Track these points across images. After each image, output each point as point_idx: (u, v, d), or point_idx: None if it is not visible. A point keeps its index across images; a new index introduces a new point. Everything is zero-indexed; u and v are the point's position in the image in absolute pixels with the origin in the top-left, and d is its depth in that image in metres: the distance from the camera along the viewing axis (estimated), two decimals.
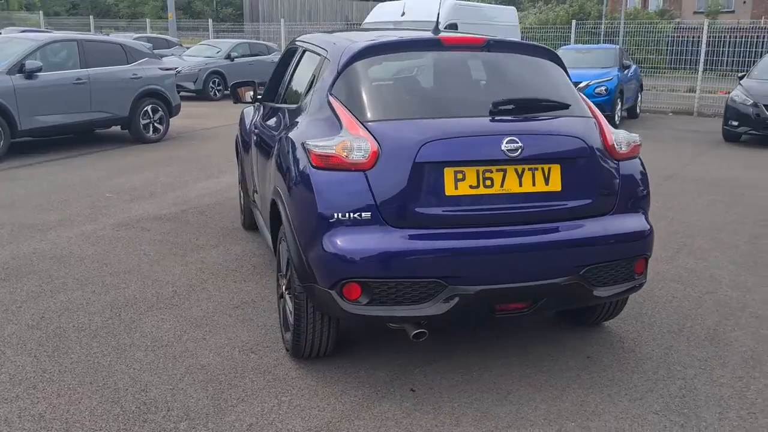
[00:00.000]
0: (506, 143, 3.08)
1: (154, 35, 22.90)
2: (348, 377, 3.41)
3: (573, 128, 3.30)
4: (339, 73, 3.44)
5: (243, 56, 18.93)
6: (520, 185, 3.13)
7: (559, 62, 3.70)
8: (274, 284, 4.66)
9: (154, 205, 6.89)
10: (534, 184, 3.14)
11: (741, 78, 12.31)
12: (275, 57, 19.85)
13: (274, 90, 5.09)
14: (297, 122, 3.62)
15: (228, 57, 18.41)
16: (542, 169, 3.15)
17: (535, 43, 3.82)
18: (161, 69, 11.24)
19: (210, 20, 24.05)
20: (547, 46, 3.82)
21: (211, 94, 17.70)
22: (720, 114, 14.74)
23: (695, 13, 42.96)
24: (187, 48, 21.09)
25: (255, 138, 4.75)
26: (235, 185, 7.71)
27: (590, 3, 36.25)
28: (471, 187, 3.07)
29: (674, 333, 3.95)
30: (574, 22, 19.11)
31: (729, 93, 16.11)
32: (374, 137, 3.08)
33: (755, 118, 11.01)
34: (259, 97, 5.18)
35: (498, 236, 3.07)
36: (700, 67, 15.82)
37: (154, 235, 5.83)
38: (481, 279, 3.02)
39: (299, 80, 4.25)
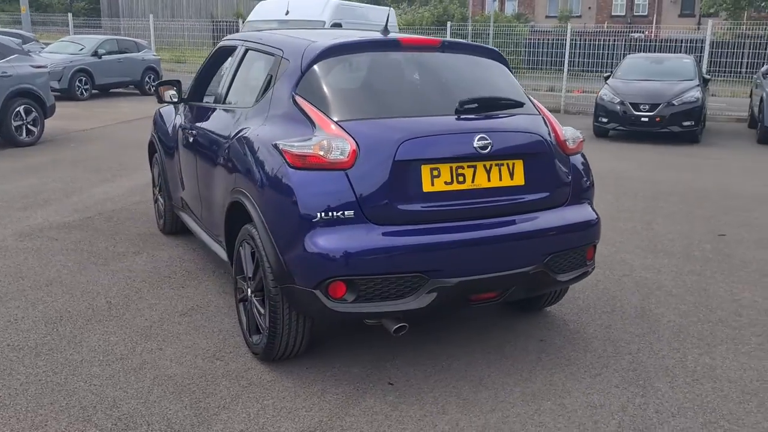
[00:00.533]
0: (477, 140, 3.22)
1: (5, 30, 21.12)
2: (323, 376, 3.42)
3: (532, 125, 3.51)
4: (303, 73, 3.43)
5: (111, 53, 17.92)
6: (489, 180, 3.28)
7: (504, 62, 3.90)
8: (216, 289, 4.55)
9: (52, 212, 6.44)
10: (501, 179, 3.31)
11: (606, 78, 13.35)
12: (146, 54, 19.01)
13: (203, 90, 4.95)
14: (255, 123, 3.57)
15: (95, 54, 17.36)
16: (507, 164, 3.33)
17: (483, 44, 4.00)
18: (33, 66, 10.44)
19: (70, 15, 22.54)
20: (493, 48, 4.01)
21: (78, 93, 16.63)
22: (584, 111, 15.95)
23: (547, 17, 45.87)
24: (45, 45, 19.68)
25: (187, 139, 4.60)
26: (138, 189, 7.40)
27: (453, 5, 37.65)
28: (446, 183, 3.19)
29: (608, 313, 4.29)
30: (449, 23, 19.84)
31: (584, 92, 17.49)
32: (351, 136, 3.11)
33: (622, 115, 11.99)
34: (184, 97, 5.00)
35: (473, 229, 3.20)
36: (565, 68, 16.94)
37: (65, 244, 5.46)
38: (459, 271, 3.14)
39: (247, 80, 4.17)
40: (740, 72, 16.51)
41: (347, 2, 15.08)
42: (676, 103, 11.79)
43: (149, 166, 6.15)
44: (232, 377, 3.40)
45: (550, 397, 3.27)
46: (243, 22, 20.37)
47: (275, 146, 3.22)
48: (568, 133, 3.64)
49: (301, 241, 3.05)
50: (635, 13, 45.14)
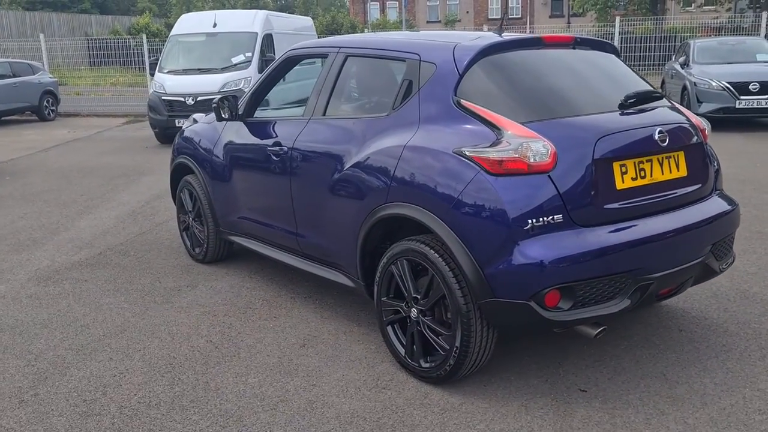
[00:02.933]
0: (658, 134, 3.19)
1: None
2: (507, 391, 3.25)
3: (682, 116, 3.52)
4: (462, 75, 3.25)
5: (3, 77, 16.41)
6: (662, 173, 3.26)
7: (618, 55, 3.90)
8: (315, 315, 4.23)
9: (53, 252, 5.76)
10: (671, 171, 3.29)
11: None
12: (42, 77, 17.56)
13: (268, 104, 4.62)
14: (401, 132, 3.35)
15: None
16: (674, 156, 3.32)
17: (601, 39, 3.97)
18: None
19: None
20: (609, 41, 3.99)
21: None
22: None
23: (428, 22, 47.09)
24: None
25: (265, 157, 4.24)
26: (128, 220, 6.81)
27: (341, 14, 37.79)
28: (632, 179, 3.13)
29: (738, 301, 4.39)
30: (359, 29, 19.79)
31: None
32: (546, 137, 2.98)
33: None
34: (240, 113, 4.63)
35: (663, 223, 3.16)
36: None
37: (101, 285, 4.89)
38: (658, 266, 3.09)
39: (365, 88, 3.92)
40: (648, 65, 17.63)
41: (275, 13, 14.72)
42: None
43: (172, 192, 5.64)
44: (418, 405, 3.15)
45: (746, 384, 3.28)
46: (134, 37, 19.38)
47: (460, 154, 3.02)
48: (702, 121, 3.69)
49: (511, 251, 2.88)
50: (510, 16, 47.23)
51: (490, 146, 2.98)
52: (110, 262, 5.46)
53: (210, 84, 11.75)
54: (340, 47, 4.00)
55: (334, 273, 3.95)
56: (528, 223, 2.87)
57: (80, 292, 4.76)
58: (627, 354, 3.61)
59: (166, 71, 12.60)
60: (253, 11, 13.54)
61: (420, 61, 3.45)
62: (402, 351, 3.45)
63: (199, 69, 12.43)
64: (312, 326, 4.08)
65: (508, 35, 3.58)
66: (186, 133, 5.33)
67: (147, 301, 4.56)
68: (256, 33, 12.75)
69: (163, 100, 11.98)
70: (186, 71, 12.48)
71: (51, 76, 18.51)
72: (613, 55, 3.83)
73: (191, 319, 4.23)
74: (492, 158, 2.93)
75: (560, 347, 3.65)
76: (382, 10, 48.75)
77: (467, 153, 3.00)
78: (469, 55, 3.28)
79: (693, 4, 41.07)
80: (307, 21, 16.48)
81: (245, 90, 10.76)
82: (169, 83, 12.17)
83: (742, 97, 12.24)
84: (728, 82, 12.28)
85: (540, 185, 2.92)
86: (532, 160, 2.91)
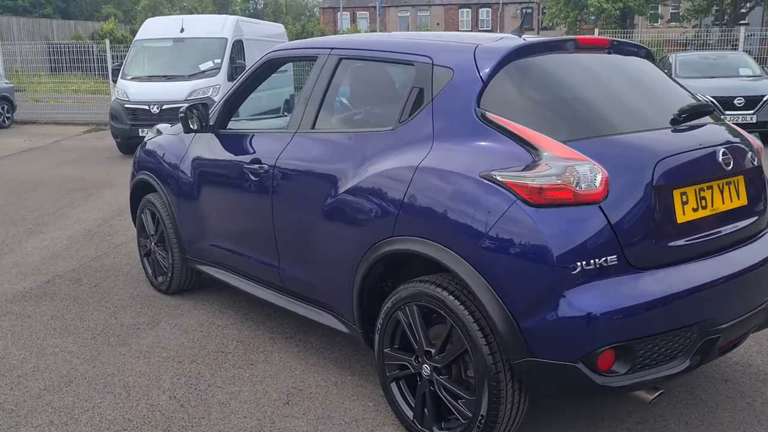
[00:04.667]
0: (721, 156, 2.66)
1: None
2: None
3: (740, 134, 3.00)
4: (486, 82, 2.67)
5: None
6: (722, 202, 2.72)
7: (653, 59, 3.38)
8: (299, 363, 3.60)
9: None
10: (731, 200, 2.76)
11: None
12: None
13: (243, 114, 4.00)
14: (412, 150, 2.76)
15: None
16: (734, 182, 2.79)
17: (633, 42, 3.43)
18: None
19: None
20: (643, 45, 3.45)
21: None
22: None
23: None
24: None
25: (242, 176, 3.62)
26: (81, 240, 6.09)
27: (311, 23, 37.24)
28: (693, 210, 2.59)
29: None
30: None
31: None
32: (594, 159, 2.42)
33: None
34: (212, 123, 4.00)
35: (729, 262, 2.63)
36: None
37: (46, 322, 4.19)
38: (726, 315, 2.55)
39: (362, 97, 3.34)
40: None
41: (245, 18, 14.07)
42: None
43: (132, 212, 4.97)
44: None
45: None
46: (98, 43, 18.56)
47: (489, 179, 2.45)
48: (757, 140, 3.17)
49: (555, 301, 2.31)
50: (480, 29, 47.24)
51: (526, 170, 2.41)
52: (59, 292, 4.75)
53: (176, 92, 11.03)
54: (332, 48, 3.40)
55: (322, 314, 3.34)
56: (576, 266, 2.31)
57: (20, 332, 4.06)
58: (672, 414, 3.06)
59: (129, 78, 11.86)
60: (223, 16, 12.86)
61: (432, 65, 2.86)
62: (410, 414, 2.85)
63: (164, 76, 11.70)
64: (296, 376, 3.45)
65: (529, 37, 3.02)
66: (148, 146, 4.68)
67: (99, 343, 3.88)
68: (226, 39, 12.07)
69: (126, 108, 11.24)
70: (151, 78, 11.74)
71: (6, 81, 17.55)
72: (648, 61, 3.30)
73: (151, 367, 3.57)
74: (531, 185, 2.36)
75: (596, 406, 3.09)
76: (353, 20, 48.35)
77: (498, 178, 2.43)
78: (495, 58, 2.71)
79: (660, 20, 41.43)
80: (279, 28, 15.82)
81: (214, 98, 10.10)
82: (133, 90, 11.43)
83: (727, 112, 11.96)
84: (712, 97, 11.99)
85: (589, 218, 2.36)
86: (579, 188, 2.35)
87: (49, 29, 36.70)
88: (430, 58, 2.89)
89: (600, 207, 2.37)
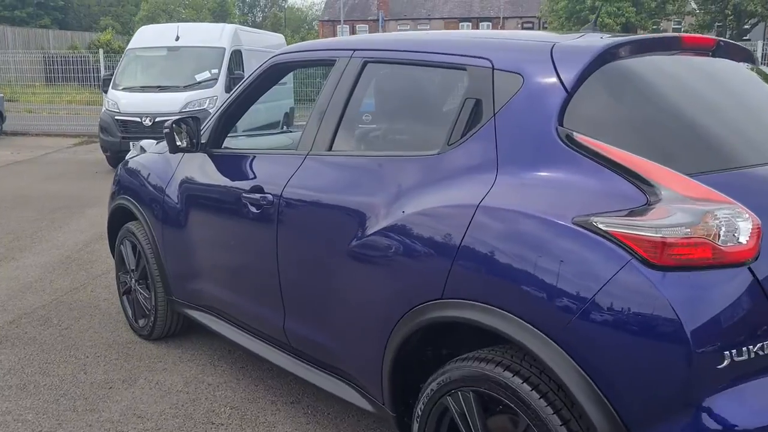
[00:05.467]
0: None
1: None
2: None
3: None
4: (571, 92, 1.99)
5: None
6: None
7: (757, 63, 2.70)
8: None
9: None
10: None
11: None
12: None
13: (223, 131, 3.32)
14: (466, 182, 2.07)
15: None
16: None
17: (741, 44, 2.75)
18: None
19: None
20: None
21: None
22: None
23: None
24: None
25: (240, 206, 2.93)
26: (58, 268, 5.37)
27: (311, 35, 36.73)
28: None
29: None
30: None
31: None
32: (735, 200, 1.73)
33: None
34: (203, 141, 3.31)
35: None
36: None
37: (0, 377, 3.48)
38: None
39: (394, 110, 2.65)
40: None
41: (244, 27, 13.41)
42: None
43: (110, 242, 4.27)
44: None
45: None
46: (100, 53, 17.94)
47: (587, 226, 1.75)
48: None
49: (692, 407, 1.61)
50: None
51: (639, 214, 1.72)
52: (23, 336, 4.04)
53: (170, 103, 10.34)
54: (354, 49, 2.70)
55: (339, 385, 2.64)
56: (724, 358, 1.61)
57: None
58: None
59: (121, 88, 11.18)
60: (221, 24, 12.19)
61: (493, 69, 2.17)
62: None
63: (158, 86, 11.02)
64: None
65: (640, 35, 2.33)
66: (130, 165, 3.98)
67: (63, 409, 3.17)
68: (224, 48, 11.40)
69: (117, 120, 10.55)
70: (144, 88, 11.06)
71: None
72: (753, 65, 2.62)
73: None
74: (651, 238, 1.66)
75: None
76: (352, 32, 47.87)
77: (601, 226, 1.73)
78: (582, 60, 2.02)
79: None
80: (279, 38, 15.19)
81: (210, 111, 9.42)
82: (124, 101, 10.74)
83: None
84: None
85: (737, 286, 1.66)
86: (721, 242, 1.65)
87: (45, 39, 36.14)
88: (489, 60, 2.20)
89: (750, 269, 1.67)
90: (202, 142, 3.30)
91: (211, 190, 3.21)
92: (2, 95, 16.91)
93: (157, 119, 10.20)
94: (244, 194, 2.90)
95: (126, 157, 4.18)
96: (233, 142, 3.47)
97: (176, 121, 3.25)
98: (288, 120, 14.15)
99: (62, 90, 23.28)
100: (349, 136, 2.68)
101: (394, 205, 2.26)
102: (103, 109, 11.40)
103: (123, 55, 12.04)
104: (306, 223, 2.64)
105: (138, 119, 10.40)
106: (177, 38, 11.71)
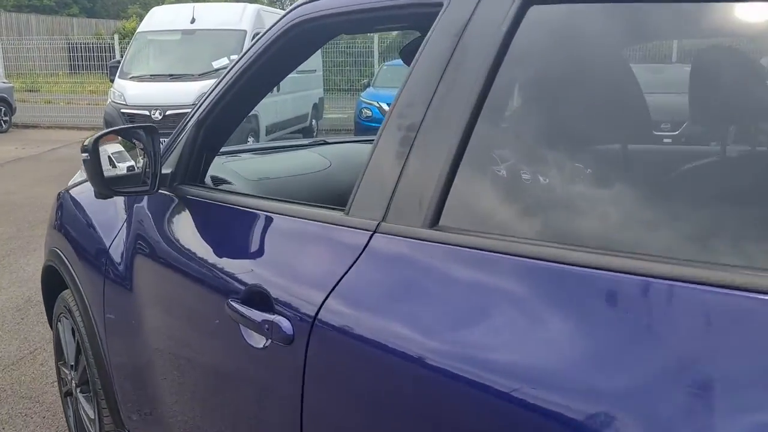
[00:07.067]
0: None
1: None
2: None
3: None
4: None
5: None
6: None
7: None
8: None
9: None
10: None
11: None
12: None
13: (205, 151, 1.80)
14: None
15: None
16: None
17: None
18: None
19: None
20: None
21: None
22: None
23: None
24: None
25: (250, 342, 1.41)
26: (12, 316, 3.95)
27: None
28: None
29: None
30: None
31: None
32: None
33: None
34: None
35: None
36: None
37: None
38: None
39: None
40: None
41: (268, 8, 11.93)
42: None
43: (47, 313, 2.80)
44: None
45: None
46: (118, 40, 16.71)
47: None
48: None
49: None
50: None
51: None
52: None
53: (183, 94, 8.93)
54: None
55: None
56: None
57: None
58: None
59: (129, 77, 9.82)
60: (242, 4, 10.68)
61: None
62: None
63: (170, 75, 9.64)
64: None
65: None
66: (68, 204, 2.48)
67: None
68: (245, 31, 9.93)
69: (123, 113, 9.20)
70: (154, 77, 9.69)
71: (5, 80, 15.67)
72: None
73: None
74: None
75: None
76: None
77: None
78: None
79: None
80: None
81: None
82: (131, 92, 9.39)
83: None
84: None
85: None
86: None
87: (69, 27, 35.22)
88: None
89: None
90: (164, 172, 1.77)
91: (177, 282, 1.69)
92: (12, 85, 15.67)
93: (168, 112, 8.85)
94: (234, 307, 1.37)
95: (69, 182, 2.69)
96: (223, 169, 1.95)
97: (113, 135, 1.73)
98: (317, 113, 12.65)
99: (85, 79, 22.17)
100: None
101: None
102: (109, 100, 10.04)
103: (132, 40, 10.66)
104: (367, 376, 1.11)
105: (146, 112, 9.06)
106: (192, 20, 10.30)
